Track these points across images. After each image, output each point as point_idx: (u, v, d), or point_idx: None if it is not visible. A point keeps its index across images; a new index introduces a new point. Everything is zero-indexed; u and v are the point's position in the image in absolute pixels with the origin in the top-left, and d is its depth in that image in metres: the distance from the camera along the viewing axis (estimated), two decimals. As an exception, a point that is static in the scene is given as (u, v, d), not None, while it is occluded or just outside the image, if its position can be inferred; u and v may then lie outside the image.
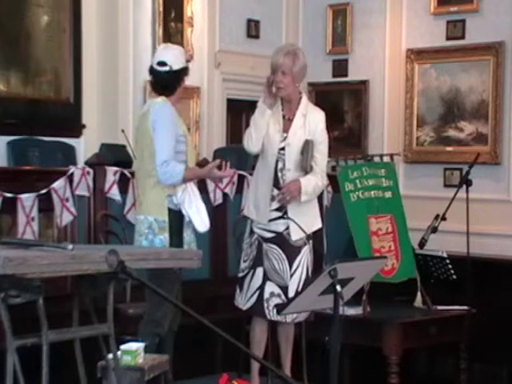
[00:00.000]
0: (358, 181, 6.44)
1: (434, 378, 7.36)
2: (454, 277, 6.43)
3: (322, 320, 4.56)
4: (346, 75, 8.69)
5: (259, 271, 5.22)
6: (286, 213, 5.18)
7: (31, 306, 3.87)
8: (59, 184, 5.59)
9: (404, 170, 8.16)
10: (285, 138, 5.21)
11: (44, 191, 5.50)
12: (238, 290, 5.32)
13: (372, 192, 6.49)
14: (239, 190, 6.48)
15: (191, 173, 4.95)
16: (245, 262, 5.31)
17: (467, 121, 7.86)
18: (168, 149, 4.86)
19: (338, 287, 3.43)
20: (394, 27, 8.28)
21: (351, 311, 5.72)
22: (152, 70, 5.07)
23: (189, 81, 5.33)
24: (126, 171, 5.90)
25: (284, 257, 5.19)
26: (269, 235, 5.21)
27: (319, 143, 5.25)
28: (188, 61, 5.72)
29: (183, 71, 5.07)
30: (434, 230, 6.46)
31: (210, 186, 6.27)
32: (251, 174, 5.69)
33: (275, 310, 5.13)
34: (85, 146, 7.50)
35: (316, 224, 5.34)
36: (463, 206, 6.42)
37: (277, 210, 5.21)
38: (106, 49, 7.71)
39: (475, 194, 6.64)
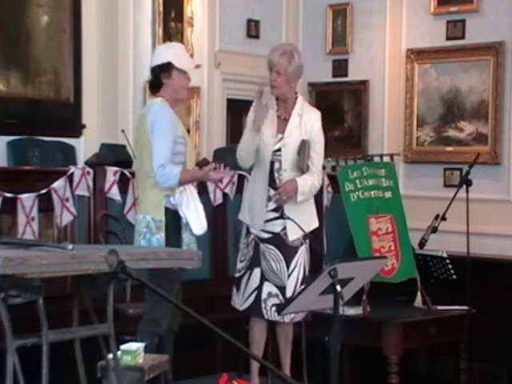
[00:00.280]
0: (358, 181, 6.43)
1: (434, 377, 7.35)
2: (454, 277, 6.42)
3: (322, 320, 4.55)
4: (345, 75, 8.67)
5: (256, 272, 5.22)
6: (283, 213, 5.18)
7: (31, 305, 3.87)
8: (59, 184, 5.59)
9: (404, 170, 8.16)
10: (281, 139, 5.21)
11: (44, 191, 5.50)
12: (234, 291, 5.33)
13: (372, 192, 6.48)
14: (239, 189, 6.47)
15: (188, 175, 4.91)
16: (241, 262, 5.31)
17: (467, 121, 7.85)
18: (165, 151, 4.82)
19: (338, 287, 3.43)
20: (393, 27, 8.27)
21: (351, 311, 5.72)
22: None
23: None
24: (125, 171, 5.90)
25: (281, 257, 5.20)
26: (265, 236, 5.21)
27: (315, 143, 5.24)
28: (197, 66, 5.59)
29: (161, 67, 4.94)
30: (434, 230, 6.46)
31: (210, 186, 6.27)
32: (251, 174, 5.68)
33: (274, 310, 5.13)
34: (85, 146, 7.49)
35: (313, 223, 5.34)
36: (463, 206, 6.42)
37: (274, 210, 5.21)
38: (106, 49, 7.71)
39: (475, 194, 6.64)
